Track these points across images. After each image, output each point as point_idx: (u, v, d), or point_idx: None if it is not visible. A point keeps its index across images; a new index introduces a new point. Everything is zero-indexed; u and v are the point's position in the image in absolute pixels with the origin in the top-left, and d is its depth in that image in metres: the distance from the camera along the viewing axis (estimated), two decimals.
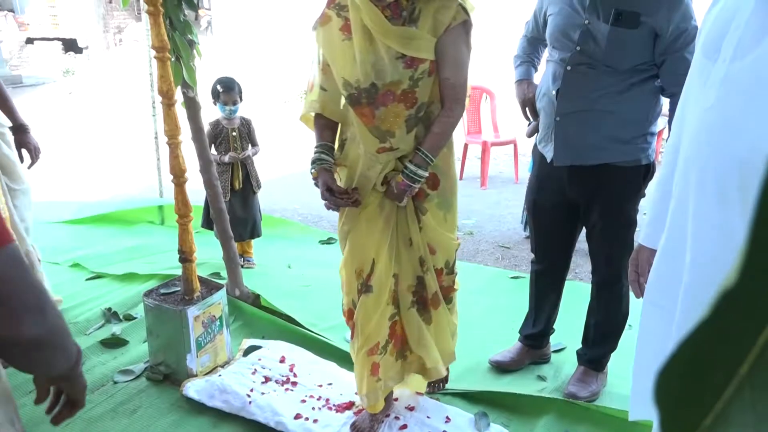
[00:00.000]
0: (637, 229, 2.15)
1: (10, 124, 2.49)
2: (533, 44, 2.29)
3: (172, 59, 2.17)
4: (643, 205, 2.18)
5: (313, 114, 1.88)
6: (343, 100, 1.81)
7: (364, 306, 1.87)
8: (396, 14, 1.71)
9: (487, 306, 3.00)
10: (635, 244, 1.56)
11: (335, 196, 1.79)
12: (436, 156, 1.79)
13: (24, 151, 2.52)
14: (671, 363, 0.17)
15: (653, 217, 1.51)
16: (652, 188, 1.66)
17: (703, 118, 1.19)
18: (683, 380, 0.18)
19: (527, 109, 2.26)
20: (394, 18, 1.71)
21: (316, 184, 1.86)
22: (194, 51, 2.37)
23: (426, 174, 1.79)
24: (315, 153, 1.85)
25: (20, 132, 2.49)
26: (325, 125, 1.86)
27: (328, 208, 1.85)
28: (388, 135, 1.76)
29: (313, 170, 1.84)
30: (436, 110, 1.80)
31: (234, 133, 3.25)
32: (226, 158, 3.21)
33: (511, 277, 3.35)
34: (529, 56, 2.30)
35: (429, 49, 1.71)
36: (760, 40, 1.05)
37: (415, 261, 1.90)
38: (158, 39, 1.97)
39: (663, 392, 0.18)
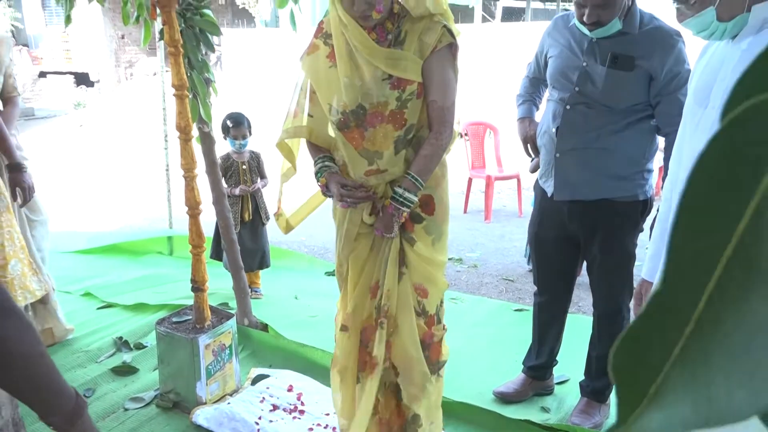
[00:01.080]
0: (637, 263, 2.21)
1: (27, 160, 2.56)
2: (535, 84, 2.39)
3: (190, 96, 2.27)
4: (643, 239, 2.25)
5: (288, 141, 1.89)
6: (330, 127, 1.82)
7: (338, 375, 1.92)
8: (382, 37, 1.73)
9: (491, 338, 3.04)
10: (638, 278, 1.63)
11: (352, 192, 1.75)
12: (425, 179, 1.75)
13: (18, 190, 2.48)
14: (621, 344, 0.24)
15: (654, 253, 1.59)
16: (652, 223, 1.73)
17: None
18: (631, 359, 0.24)
19: (528, 145, 2.35)
20: (380, 41, 1.72)
21: (326, 192, 1.84)
22: (210, 88, 2.48)
23: (415, 198, 1.75)
24: (317, 164, 1.84)
25: (16, 171, 2.46)
26: (319, 147, 1.87)
27: (346, 206, 1.80)
28: (376, 156, 1.76)
29: (320, 178, 1.82)
30: (427, 135, 1.78)
31: (244, 167, 3.35)
32: (237, 191, 3.30)
33: (515, 310, 3.40)
34: (530, 95, 2.40)
35: (415, 71, 1.71)
36: None
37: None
38: (178, 78, 2.07)
39: (616, 367, 0.25)
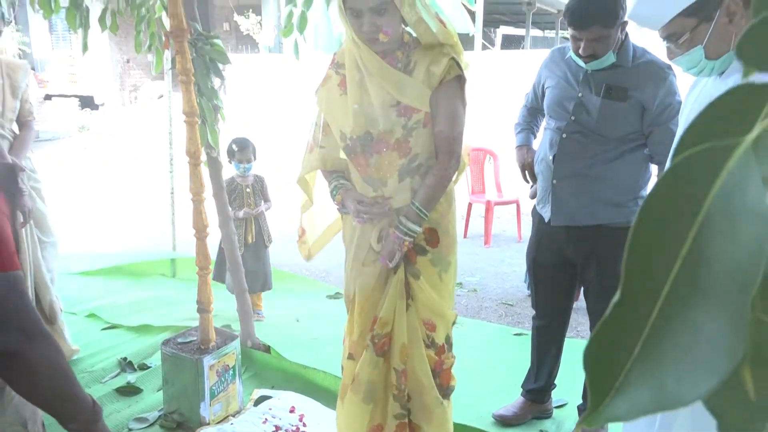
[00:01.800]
0: None
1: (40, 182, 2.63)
2: (532, 113, 2.47)
3: (199, 123, 2.34)
4: None
5: (309, 177, 1.96)
6: (342, 153, 1.87)
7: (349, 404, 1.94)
8: (392, 65, 1.76)
9: (491, 362, 3.08)
10: None
11: (368, 208, 1.78)
12: (429, 210, 1.77)
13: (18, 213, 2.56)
14: (590, 345, 0.30)
15: (522, 127, 1.66)
16: None
17: None
18: (600, 357, 0.30)
19: (526, 172, 2.42)
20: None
21: (342, 209, 1.87)
22: (218, 115, 2.56)
23: (419, 229, 1.77)
24: (332, 183, 1.88)
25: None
26: (333, 171, 1.91)
27: (363, 221, 1.82)
28: (380, 183, 1.79)
29: (336, 195, 1.85)
30: (432, 164, 1.80)
31: (248, 190, 3.42)
32: (241, 214, 3.36)
33: (514, 334, 3.43)
34: (528, 124, 2.48)
35: (422, 100, 1.74)
36: None
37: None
38: (189, 105, 2.15)
39: (588, 364, 0.30)
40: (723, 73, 1.37)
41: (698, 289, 0.28)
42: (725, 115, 0.29)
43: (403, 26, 1.74)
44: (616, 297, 0.28)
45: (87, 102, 15.08)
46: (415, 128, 1.76)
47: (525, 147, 2.45)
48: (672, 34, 1.37)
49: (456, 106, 1.78)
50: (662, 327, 0.29)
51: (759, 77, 0.30)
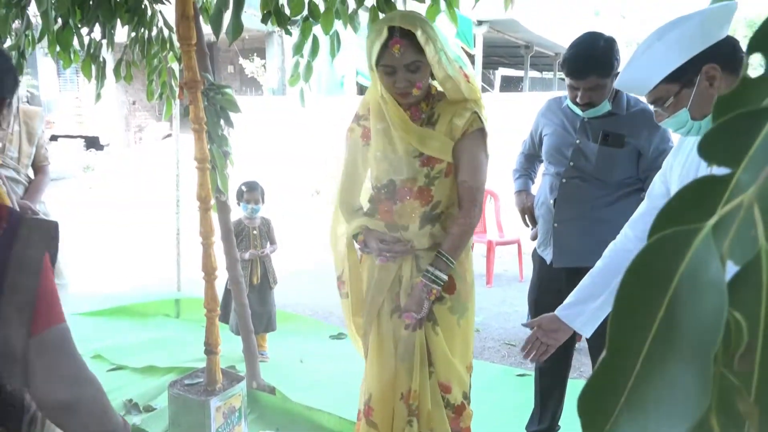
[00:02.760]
0: None
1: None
2: (530, 160, 2.56)
3: (210, 168, 2.42)
4: None
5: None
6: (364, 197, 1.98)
7: None
8: (416, 116, 1.85)
9: (494, 403, 3.08)
10: None
11: (390, 246, 1.85)
12: (456, 258, 1.83)
13: None
14: (583, 395, 0.35)
15: (575, 300, 1.72)
16: None
17: None
18: (591, 404, 0.36)
19: (526, 216, 2.50)
20: (414, 119, 1.85)
21: (364, 249, 1.93)
22: (227, 160, 2.64)
23: (446, 277, 1.82)
24: (353, 224, 1.95)
25: None
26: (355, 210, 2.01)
27: (385, 261, 1.89)
28: (402, 228, 1.87)
29: (359, 236, 1.92)
30: (454, 212, 1.87)
31: (255, 232, 3.48)
32: (246, 255, 3.42)
33: (518, 375, 3.45)
34: (526, 170, 2.56)
35: (445, 151, 1.82)
36: None
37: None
38: (201, 152, 2.23)
39: (582, 410, 0.36)
40: None
41: (672, 348, 0.34)
42: (691, 202, 0.36)
43: (430, 78, 1.83)
44: (604, 354, 0.34)
45: (92, 143, 15.30)
46: (438, 177, 1.84)
47: (524, 192, 2.53)
48: (658, 98, 1.45)
49: (479, 157, 1.86)
50: (644, 379, 0.35)
51: (718, 170, 0.36)
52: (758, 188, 0.33)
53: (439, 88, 1.87)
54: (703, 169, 1.41)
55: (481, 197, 1.89)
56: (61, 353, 0.95)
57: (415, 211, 1.85)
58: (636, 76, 1.45)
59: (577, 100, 2.15)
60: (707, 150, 0.36)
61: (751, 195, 0.33)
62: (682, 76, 1.39)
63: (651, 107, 1.52)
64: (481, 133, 1.86)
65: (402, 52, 1.72)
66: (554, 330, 1.71)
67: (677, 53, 1.36)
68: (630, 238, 1.66)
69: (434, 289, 1.82)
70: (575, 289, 1.72)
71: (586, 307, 1.64)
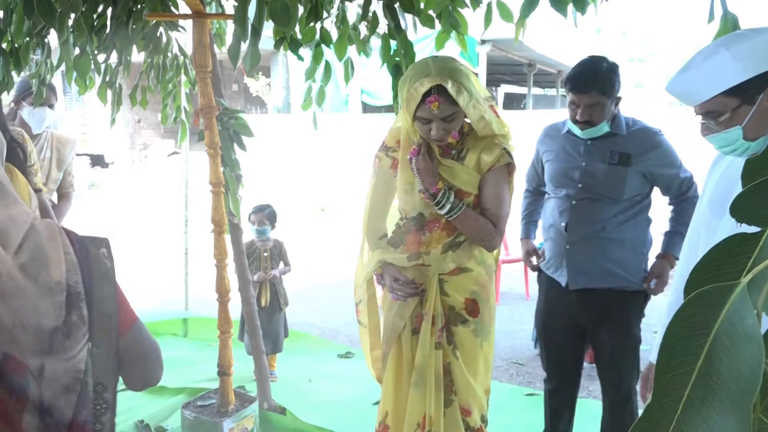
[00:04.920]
0: (643, 345, 2.33)
1: None
2: (534, 200, 2.58)
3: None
4: (646, 323, 2.38)
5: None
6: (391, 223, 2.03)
7: None
8: (446, 152, 1.92)
9: (504, 423, 3.08)
10: (645, 361, 1.71)
11: (402, 287, 1.89)
12: (460, 222, 1.86)
13: None
14: (633, 430, 0.38)
15: None
16: (662, 309, 1.77)
17: None
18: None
19: (532, 258, 2.55)
20: (444, 155, 1.92)
21: (381, 281, 1.98)
22: (239, 184, 2.68)
23: (449, 205, 1.85)
24: (374, 257, 1.99)
25: None
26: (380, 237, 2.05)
27: (397, 299, 1.94)
28: (424, 254, 1.92)
29: (377, 269, 1.97)
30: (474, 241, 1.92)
31: (265, 254, 3.51)
32: (255, 277, 3.44)
33: (526, 395, 3.45)
34: (530, 214, 2.61)
35: (472, 184, 1.89)
36: None
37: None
38: (215, 176, 2.28)
39: None
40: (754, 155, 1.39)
41: (712, 394, 0.37)
42: (724, 258, 0.39)
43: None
44: (650, 399, 0.37)
45: (97, 160, 15.40)
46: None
47: (526, 239, 2.61)
48: (711, 111, 1.35)
49: (503, 190, 1.92)
50: (685, 423, 0.38)
51: (747, 228, 0.40)
52: None
53: (467, 121, 1.91)
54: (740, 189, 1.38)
55: (504, 225, 1.94)
56: (148, 345, 1.05)
57: (441, 241, 1.91)
58: (693, 83, 1.34)
59: (577, 117, 2.18)
60: (738, 210, 0.39)
61: None
62: (744, 92, 1.30)
63: (700, 119, 1.41)
64: (508, 167, 1.92)
65: (439, 108, 1.77)
66: None
67: (744, 67, 1.26)
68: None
69: (442, 191, 1.85)
70: (661, 331, 1.69)
71: None
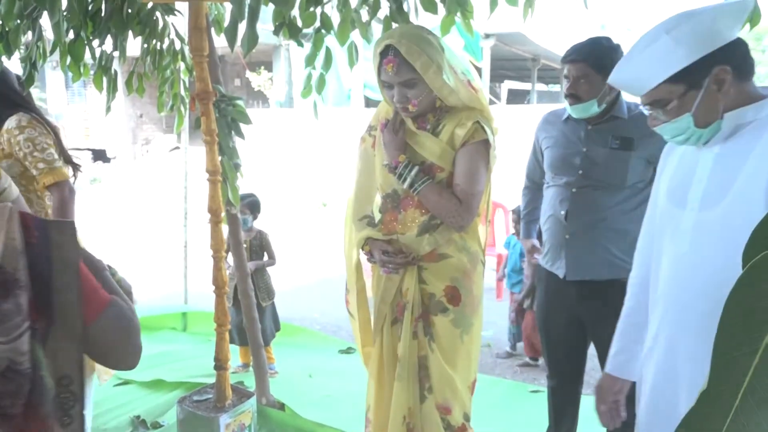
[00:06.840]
0: None
1: None
2: (534, 197, 2.52)
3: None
4: None
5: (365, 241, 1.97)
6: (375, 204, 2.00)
7: None
8: (422, 126, 1.86)
9: (508, 420, 3.02)
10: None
11: (392, 258, 1.84)
12: (420, 190, 1.81)
13: None
14: (681, 426, 0.32)
15: (620, 348, 1.54)
16: None
17: (678, 262, 1.31)
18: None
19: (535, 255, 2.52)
20: (420, 128, 1.86)
21: (371, 259, 1.93)
22: (238, 172, 2.61)
23: (411, 177, 1.81)
24: (359, 234, 1.93)
25: None
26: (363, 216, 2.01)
27: (389, 272, 1.88)
28: (400, 235, 1.87)
29: (365, 246, 1.92)
30: None
31: (245, 245, 3.40)
32: (228, 271, 3.32)
33: (531, 391, 3.39)
34: (530, 213, 2.56)
35: (445, 158, 1.82)
36: (724, 194, 1.21)
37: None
38: (212, 164, 2.21)
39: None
40: (707, 142, 1.29)
41: None
42: None
43: (435, 93, 1.82)
44: (704, 386, 0.30)
45: (99, 155, 15.36)
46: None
47: (527, 239, 2.59)
48: (658, 100, 1.28)
49: (477, 166, 1.83)
50: (745, 412, 0.31)
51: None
52: None
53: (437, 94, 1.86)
54: (697, 183, 1.31)
55: (476, 204, 1.85)
56: (114, 330, 1.02)
57: (415, 221, 1.86)
58: (635, 72, 1.27)
59: (566, 90, 2.14)
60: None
61: None
62: (690, 77, 1.23)
63: (645, 110, 1.34)
64: (484, 144, 1.83)
65: (395, 70, 1.75)
66: (616, 392, 1.54)
67: (687, 50, 1.20)
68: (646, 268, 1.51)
69: (403, 163, 1.82)
70: (615, 338, 1.58)
71: (637, 351, 1.49)
